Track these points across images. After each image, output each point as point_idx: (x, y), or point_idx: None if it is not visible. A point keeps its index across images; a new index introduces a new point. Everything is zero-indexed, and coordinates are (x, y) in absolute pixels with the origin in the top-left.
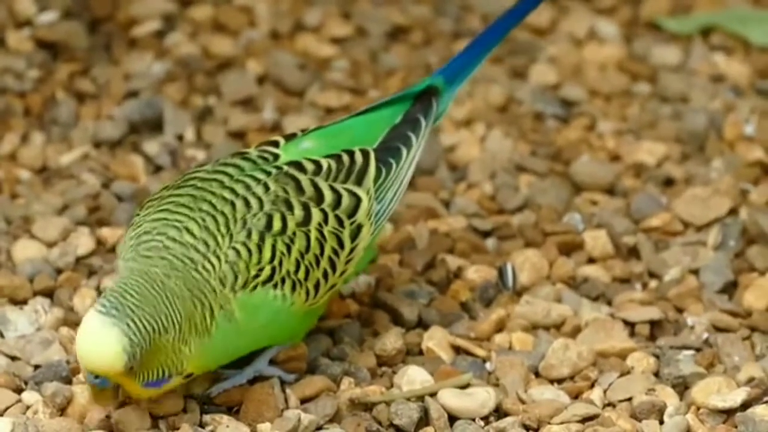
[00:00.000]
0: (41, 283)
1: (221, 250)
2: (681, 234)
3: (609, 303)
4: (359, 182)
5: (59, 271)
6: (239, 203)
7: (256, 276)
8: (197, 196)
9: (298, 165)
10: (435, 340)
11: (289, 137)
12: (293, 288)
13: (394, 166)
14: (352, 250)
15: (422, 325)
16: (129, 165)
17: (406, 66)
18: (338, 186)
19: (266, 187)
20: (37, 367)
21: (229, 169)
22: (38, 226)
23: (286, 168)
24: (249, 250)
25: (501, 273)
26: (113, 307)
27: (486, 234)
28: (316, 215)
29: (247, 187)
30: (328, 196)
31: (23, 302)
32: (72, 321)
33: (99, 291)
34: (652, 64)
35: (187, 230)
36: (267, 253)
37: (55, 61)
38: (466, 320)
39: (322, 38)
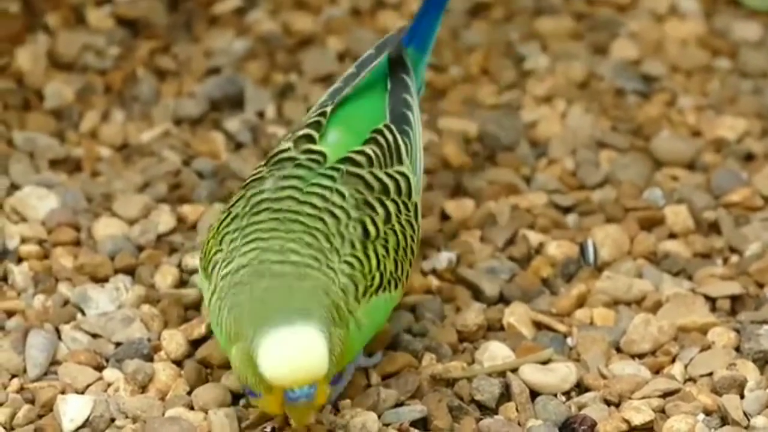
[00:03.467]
0: (122, 260)
1: (333, 264)
2: (761, 209)
3: (690, 278)
4: (400, 161)
5: (140, 249)
6: (327, 216)
7: (371, 285)
8: (281, 218)
9: (352, 161)
10: (516, 315)
11: (315, 126)
12: (396, 286)
13: (410, 133)
14: (419, 229)
15: (503, 300)
16: (210, 142)
17: (487, 42)
18: (390, 171)
19: (341, 194)
20: (118, 344)
21: (294, 182)
22: (119, 204)
23: (343, 167)
24: (360, 261)
25: (582, 249)
26: (294, 313)
27: (567, 210)
28: (391, 208)
29: (324, 199)
30: (390, 184)
31: (104, 280)
32: (153, 298)
33: (180, 268)
34: (732, 40)
35: (291, 251)
36: (373, 261)
37: (136, 38)
38: (547, 296)
39: (403, 15)
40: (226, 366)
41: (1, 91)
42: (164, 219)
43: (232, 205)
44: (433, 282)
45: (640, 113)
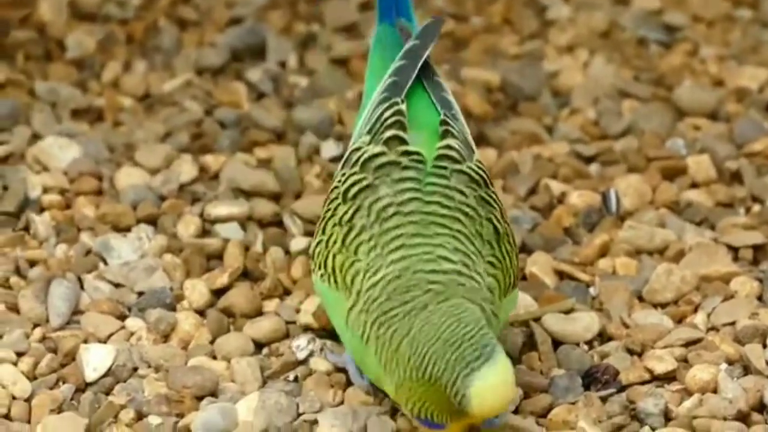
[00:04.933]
0: (144, 210)
1: (479, 267)
2: None
3: (712, 228)
4: (471, 148)
5: (162, 198)
6: (462, 216)
7: (508, 284)
8: (419, 221)
9: (450, 159)
10: (539, 265)
11: (400, 127)
12: (519, 280)
13: (459, 116)
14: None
15: (526, 250)
16: (232, 92)
17: None
18: (475, 163)
19: (462, 193)
20: (140, 294)
21: (410, 184)
22: (141, 154)
23: (449, 166)
24: (499, 261)
25: (604, 198)
26: (486, 345)
27: (589, 159)
28: (493, 198)
29: (450, 198)
30: (484, 176)
31: (126, 229)
32: (176, 248)
33: (203, 218)
34: None
35: (442, 258)
36: (506, 259)
37: None
38: (569, 245)
39: None
40: (249, 315)
41: (23, 41)
42: (186, 169)
43: (350, 219)
44: None
45: (662, 63)
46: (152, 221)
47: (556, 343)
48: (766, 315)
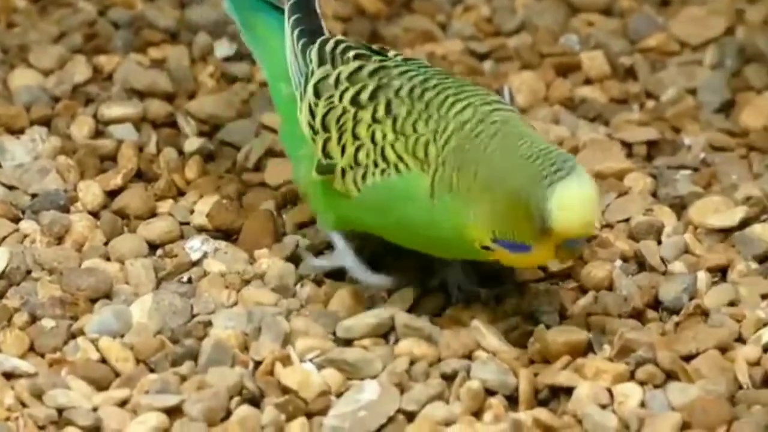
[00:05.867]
0: (38, 111)
1: None
2: (677, 54)
3: (606, 124)
4: None
5: (56, 100)
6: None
7: None
8: (451, 87)
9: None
10: None
11: (354, 47)
12: None
13: None
14: None
15: None
16: None
17: None
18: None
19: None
20: (34, 196)
21: (412, 71)
22: (34, 55)
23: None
24: None
25: (499, 95)
26: (567, 161)
27: (483, 56)
28: None
29: (441, 73)
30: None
31: (20, 131)
32: (69, 149)
33: (96, 119)
34: None
35: (495, 101)
36: None
37: None
38: None
39: None
40: (143, 216)
41: None
42: (80, 69)
43: (387, 112)
44: None
45: None
46: (46, 123)
47: None
48: (660, 211)
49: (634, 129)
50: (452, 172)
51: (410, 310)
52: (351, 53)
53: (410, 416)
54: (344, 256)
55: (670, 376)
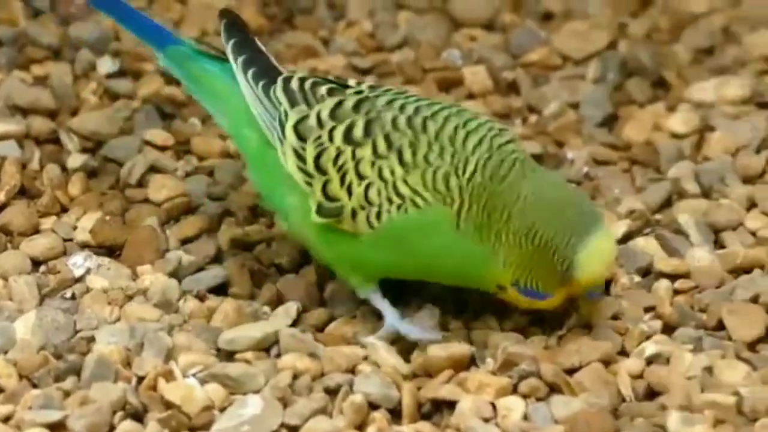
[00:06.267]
0: None
1: None
2: (560, 68)
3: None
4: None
5: None
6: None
7: None
8: (450, 115)
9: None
10: None
11: (323, 82)
12: None
13: None
14: None
15: None
16: (8, 9)
17: None
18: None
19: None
20: None
21: (399, 100)
22: None
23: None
24: None
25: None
26: (590, 213)
27: (365, 72)
28: None
29: (424, 99)
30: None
31: None
32: None
33: None
34: None
35: (501, 129)
36: None
37: None
38: None
39: None
40: (26, 233)
41: None
42: None
43: (389, 147)
44: (232, 146)
45: None
46: None
47: None
48: None
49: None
50: (480, 210)
51: (293, 324)
52: (322, 89)
53: (293, 430)
54: (396, 321)
55: (554, 389)
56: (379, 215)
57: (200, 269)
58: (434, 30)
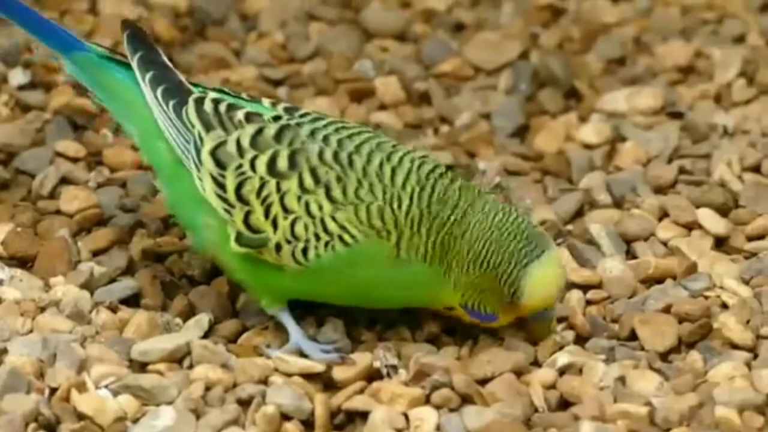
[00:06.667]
0: None
1: None
2: (472, 79)
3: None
4: None
5: None
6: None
7: None
8: (378, 147)
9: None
10: None
11: (238, 107)
12: None
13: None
14: None
15: None
16: None
17: None
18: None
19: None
20: None
21: (324, 130)
22: None
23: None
24: None
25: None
26: (535, 239)
27: (278, 83)
28: None
29: (345, 124)
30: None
31: None
32: None
33: None
34: None
35: (430, 161)
36: None
37: None
38: None
39: None
40: None
41: None
42: None
43: (316, 181)
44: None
45: None
46: None
47: None
48: None
49: (430, 153)
50: (426, 239)
51: (205, 336)
52: (239, 114)
53: None
54: (300, 339)
55: (466, 399)
56: (305, 251)
57: (112, 281)
58: (346, 41)
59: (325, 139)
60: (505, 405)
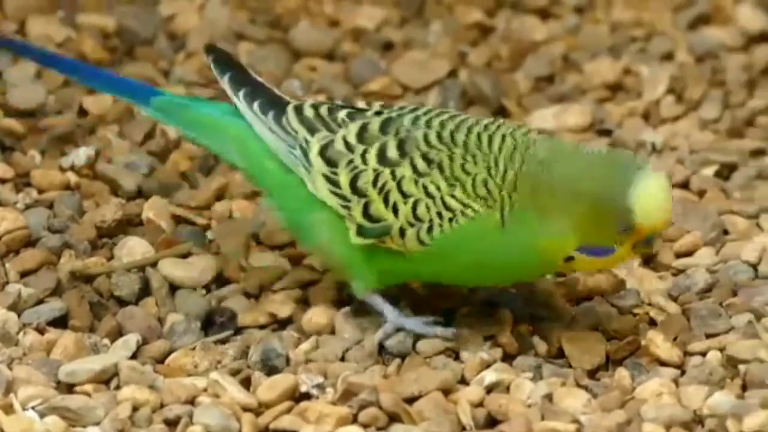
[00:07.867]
0: None
1: None
2: (400, 97)
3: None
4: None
5: None
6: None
7: None
8: (472, 124)
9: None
10: (155, 210)
11: (337, 107)
12: None
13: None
14: None
15: (142, 195)
16: None
17: None
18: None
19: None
20: None
21: (423, 117)
22: None
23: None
24: None
25: None
26: (629, 159)
27: None
28: None
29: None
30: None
31: None
32: None
33: None
34: None
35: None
36: None
37: None
38: (186, 189)
39: None
40: None
41: None
42: None
43: (429, 164)
44: (72, 178)
45: (277, 5)
46: None
47: (174, 288)
48: None
49: None
50: (524, 198)
51: (133, 357)
52: (341, 113)
53: None
54: (398, 318)
55: (394, 418)
56: (430, 230)
57: (40, 302)
58: (275, 60)
59: (428, 123)
60: (433, 423)
